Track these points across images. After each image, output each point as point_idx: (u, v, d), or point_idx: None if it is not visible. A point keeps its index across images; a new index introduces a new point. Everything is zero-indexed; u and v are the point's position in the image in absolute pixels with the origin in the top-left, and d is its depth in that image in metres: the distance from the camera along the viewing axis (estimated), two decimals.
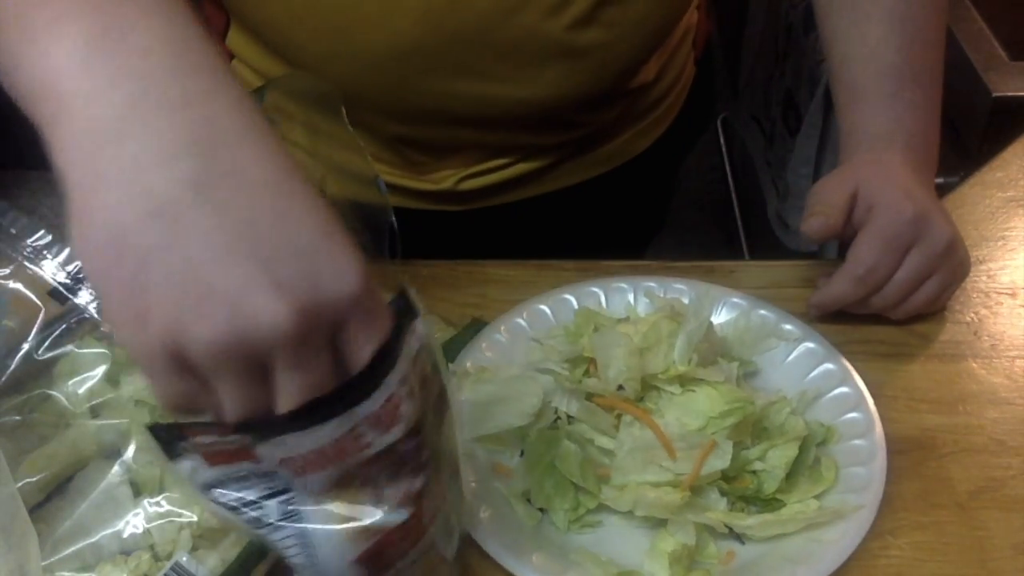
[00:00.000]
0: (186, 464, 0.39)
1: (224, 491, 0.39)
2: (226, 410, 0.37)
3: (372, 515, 0.40)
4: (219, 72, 0.37)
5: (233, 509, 0.40)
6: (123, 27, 0.36)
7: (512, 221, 0.88)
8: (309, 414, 0.37)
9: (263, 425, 0.37)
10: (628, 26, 0.74)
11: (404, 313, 0.40)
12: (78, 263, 0.57)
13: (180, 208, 0.34)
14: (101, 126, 0.35)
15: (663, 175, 1.00)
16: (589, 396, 0.61)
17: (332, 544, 0.40)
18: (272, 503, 0.40)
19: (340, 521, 0.40)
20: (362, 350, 0.38)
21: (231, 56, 0.82)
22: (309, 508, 0.40)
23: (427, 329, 0.41)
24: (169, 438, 0.38)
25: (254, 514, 0.40)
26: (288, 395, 0.37)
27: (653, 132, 0.89)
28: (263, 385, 0.37)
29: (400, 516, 0.41)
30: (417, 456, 0.41)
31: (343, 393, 0.37)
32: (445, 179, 0.83)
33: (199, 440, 0.38)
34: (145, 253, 0.34)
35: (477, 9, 0.68)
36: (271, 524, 0.40)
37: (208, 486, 0.39)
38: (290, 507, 0.40)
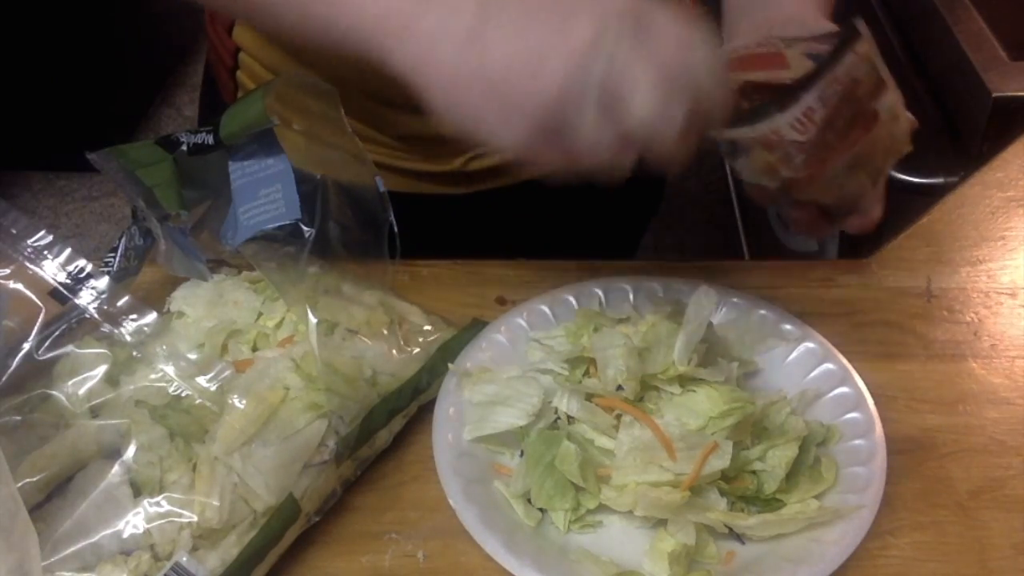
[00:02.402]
0: None
1: None
2: (590, 151, 0.47)
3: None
4: None
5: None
6: None
7: (516, 204, 0.89)
8: (753, 115, 0.53)
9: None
10: None
11: (847, 39, 0.53)
12: (78, 263, 0.57)
13: (477, 28, 0.47)
14: (406, 18, 0.48)
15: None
16: (589, 396, 0.61)
17: (752, 171, 0.57)
18: (724, 144, 0.56)
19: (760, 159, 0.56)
20: (663, 34, 0.47)
21: (238, 49, 0.82)
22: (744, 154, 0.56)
23: (868, 47, 0.54)
24: None
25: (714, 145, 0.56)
26: (632, 103, 0.46)
27: None
28: (614, 119, 0.46)
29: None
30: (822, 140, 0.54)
31: (770, 104, 0.53)
32: (454, 159, 0.84)
33: None
34: (477, 70, 0.46)
35: None
36: (722, 151, 0.57)
37: None
38: (733, 147, 0.56)
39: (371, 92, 0.77)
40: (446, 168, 0.84)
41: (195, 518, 0.52)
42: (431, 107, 0.49)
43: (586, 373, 0.64)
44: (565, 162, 0.49)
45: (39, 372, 0.56)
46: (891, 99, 0.56)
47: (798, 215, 0.62)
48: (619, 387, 0.61)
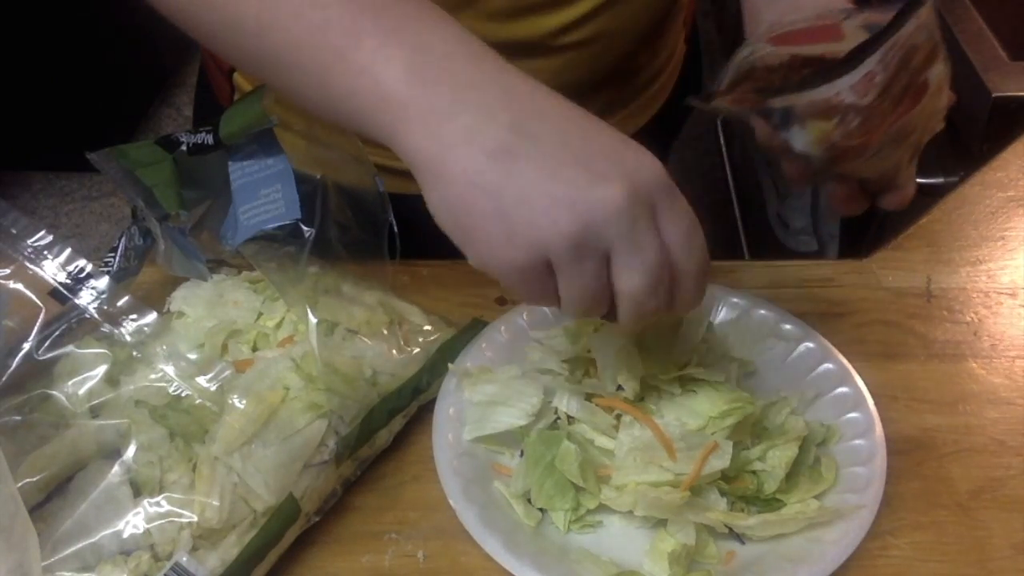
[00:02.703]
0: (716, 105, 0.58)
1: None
2: (573, 300, 0.48)
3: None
4: (496, 57, 0.49)
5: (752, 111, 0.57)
6: (426, 46, 0.48)
7: None
8: (815, 78, 0.54)
9: (775, 90, 0.56)
10: (626, 19, 0.74)
11: (912, 4, 0.54)
12: (78, 263, 0.57)
13: (510, 146, 0.46)
14: (436, 113, 0.47)
15: (656, 153, 1.01)
16: (589, 397, 0.61)
17: (805, 141, 0.57)
18: (777, 114, 0.56)
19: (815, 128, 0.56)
20: (673, 225, 0.47)
21: None
22: (797, 123, 0.56)
23: (929, 15, 0.55)
24: (708, 95, 0.58)
25: (765, 114, 0.57)
26: (629, 276, 0.47)
27: (648, 110, 0.89)
28: (604, 277, 0.47)
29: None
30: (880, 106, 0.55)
31: (839, 64, 0.53)
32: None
33: (728, 97, 0.57)
34: (497, 186, 0.45)
35: (489, 9, 0.68)
36: (774, 122, 0.57)
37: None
38: (786, 117, 0.56)
39: None
40: None
41: (195, 518, 0.52)
42: (429, 201, 0.48)
43: (586, 374, 0.64)
44: (541, 299, 0.49)
45: (39, 372, 0.56)
46: (941, 70, 0.56)
47: (838, 190, 0.62)
48: (619, 387, 0.61)
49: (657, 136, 0.92)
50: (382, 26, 0.48)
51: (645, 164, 0.47)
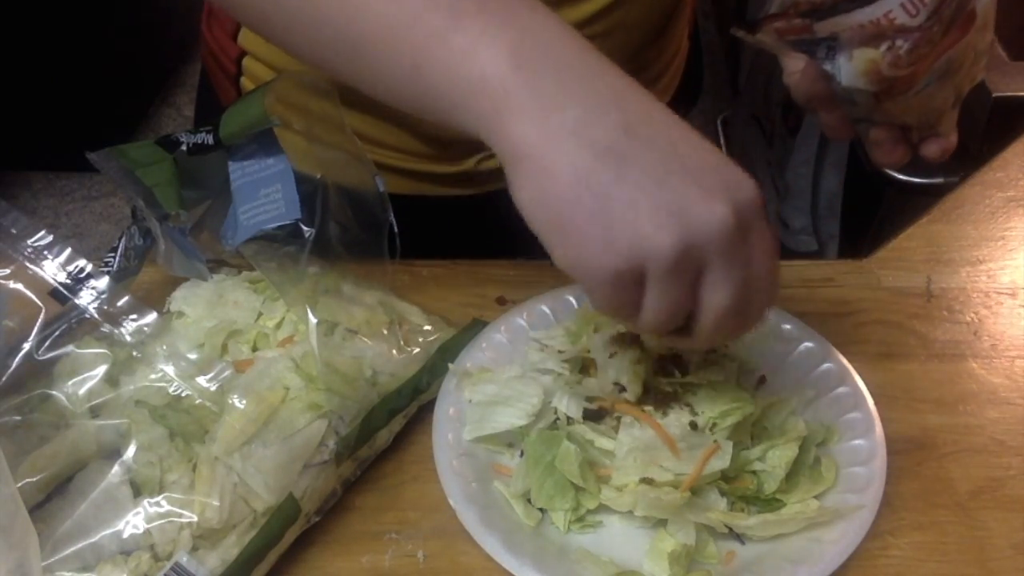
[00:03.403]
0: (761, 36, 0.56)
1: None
2: (655, 314, 0.46)
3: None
4: (596, 51, 0.47)
5: (796, 44, 0.56)
6: (530, 30, 0.46)
7: None
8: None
9: (823, 11, 0.52)
10: (637, 14, 0.74)
11: None
12: (78, 263, 0.57)
13: (621, 147, 0.44)
14: (544, 102, 0.44)
15: None
16: (591, 399, 0.61)
17: (851, 73, 0.55)
18: (822, 46, 0.55)
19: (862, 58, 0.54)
20: (763, 253, 0.47)
21: (242, 55, 0.81)
22: (844, 54, 0.55)
23: None
24: (752, 23, 0.55)
25: (809, 48, 0.56)
26: (719, 295, 0.46)
27: None
28: (690, 294, 0.46)
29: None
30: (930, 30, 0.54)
31: None
32: (467, 159, 0.83)
33: (774, 25, 0.54)
34: (605, 187, 0.43)
35: None
36: (819, 56, 0.55)
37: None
38: (832, 49, 0.55)
39: None
40: (458, 169, 0.84)
41: (195, 518, 0.52)
42: (521, 194, 0.46)
43: (584, 372, 0.64)
44: (622, 309, 0.47)
45: (39, 372, 0.56)
46: (988, 1, 0.55)
47: (879, 135, 0.61)
48: (622, 389, 0.61)
49: None
50: (484, 8, 0.46)
51: (746, 185, 0.46)
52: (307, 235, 0.61)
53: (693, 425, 0.59)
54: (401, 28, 0.47)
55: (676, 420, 0.60)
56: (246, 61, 0.81)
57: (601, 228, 0.44)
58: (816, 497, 0.59)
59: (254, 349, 0.62)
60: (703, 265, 0.45)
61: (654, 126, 0.45)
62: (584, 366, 0.65)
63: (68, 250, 0.58)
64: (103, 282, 0.58)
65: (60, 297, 0.57)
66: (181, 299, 0.64)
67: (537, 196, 0.45)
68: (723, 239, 0.44)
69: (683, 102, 0.95)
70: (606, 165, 0.43)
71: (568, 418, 0.61)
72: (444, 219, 0.85)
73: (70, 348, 0.57)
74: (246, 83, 0.82)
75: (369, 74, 0.50)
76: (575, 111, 0.44)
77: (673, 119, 0.47)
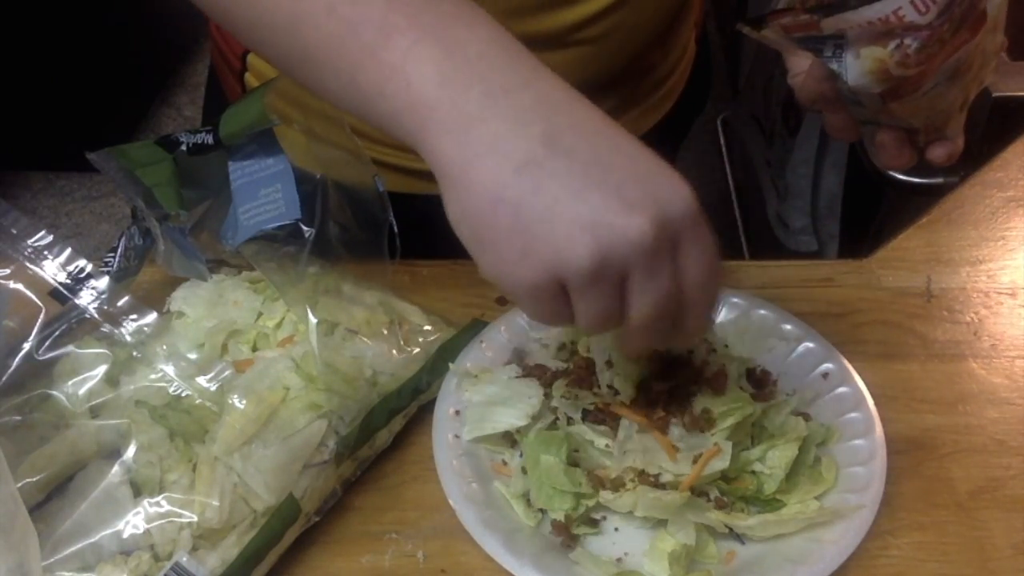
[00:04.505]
0: (767, 32, 0.55)
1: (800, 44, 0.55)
2: (587, 321, 0.46)
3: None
4: (531, 58, 0.47)
5: (802, 41, 0.55)
6: (460, 45, 0.46)
7: None
8: None
9: (831, 7, 0.51)
10: (640, 15, 0.74)
11: None
12: (78, 263, 0.57)
13: (539, 160, 0.44)
14: (465, 118, 0.45)
15: (665, 155, 1.01)
16: (591, 403, 0.61)
17: (858, 72, 0.54)
18: (829, 44, 0.54)
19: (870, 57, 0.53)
20: (695, 263, 0.46)
21: (246, 52, 0.81)
22: (851, 52, 0.53)
23: None
24: (758, 19, 0.54)
25: (816, 46, 0.54)
26: (641, 304, 0.46)
27: (658, 111, 0.89)
28: (618, 299, 0.46)
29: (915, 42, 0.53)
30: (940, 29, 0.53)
31: None
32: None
33: (780, 21, 0.53)
34: (519, 200, 0.44)
35: (506, 6, 0.68)
36: (825, 54, 0.54)
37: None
38: (839, 48, 0.54)
39: None
40: None
41: (195, 518, 0.52)
42: (448, 208, 0.47)
43: (571, 357, 0.64)
44: (551, 318, 0.47)
45: (39, 372, 0.56)
46: (998, 1, 0.54)
47: (885, 138, 0.60)
48: (615, 392, 0.61)
49: (666, 138, 0.92)
50: (415, 23, 0.46)
51: (677, 194, 0.45)
52: (307, 235, 0.61)
53: (692, 424, 0.59)
54: (336, 44, 0.48)
55: (675, 420, 0.60)
56: (250, 58, 0.81)
57: (519, 242, 0.44)
58: (816, 497, 0.59)
59: (254, 349, 0.62)
60: (625, 275, 0.45)
61: (580, 135, 0.45)
62: (584, 365, 0.65)
63: (68, 250, 0.58)
64: (103, 282, 0.58)
65: (60, 297, 0.57)
66: (181, 299, 0.64)
67: (459, 211, 0.46)
68: (642, 252, 0.44)
69: (689, 106, 0.95)
70: (523, 179, 0.44)
71: (568, 418, 0.61)
72: (445, 218, 0.85)
73: (70, 348, 0.57)
74: (250, 79, 0.82)
75: (317, 83, 0.51)
76: (496, 125, 0.44)
77: (605, 127, 0.46)
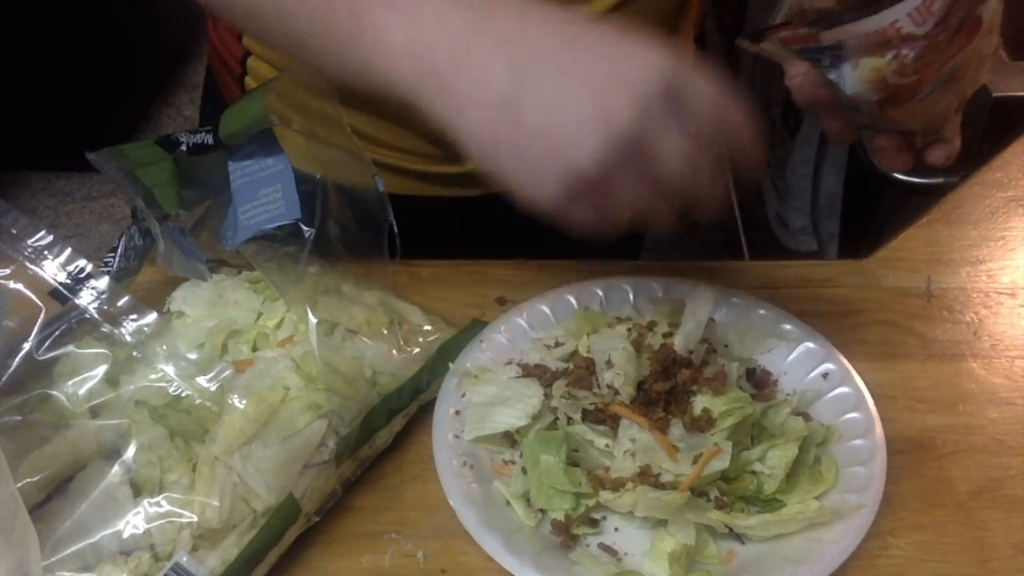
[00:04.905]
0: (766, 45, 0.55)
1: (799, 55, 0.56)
2: (625, 206, 0.49)
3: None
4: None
5: (800, 52, 0.55)
6: (417, 6, 0.49)
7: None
8: (872, 4, 0.51)
9: (830, 20, 0.52)
10: (640, 16, 0.74)
11: None
12: (78, 263, 0.57)
13: (509, 98, 0.47)
14: (437, 81, 0.49)
15: None
16: (591, 404, 0.61)
17: (856, 81, 0.55)
18: (827, 55, 0.54)
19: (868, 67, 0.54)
20: (696, 104, 0.48)
21: (246, 55, 0.80)
22: (849, 63, 0.54)
23: None
24: (757, 33, 0.54)
25: (814, 56, 0.55)
26: (670, 163, 0.48)
27: None
28: (644, 176, 0.48)
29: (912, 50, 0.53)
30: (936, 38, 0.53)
31: None
32: (468, 160, 0.83)
33: (779, 35, 0.53)
34: (510, 138, 0.48)
35: None
36: (824, 64, 0.55)
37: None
38: (836, 58, 0.54)
39: None
40: (459, 169, 0.84)
41: (195, 518, 0.52)
42: (468, 155, 0.50)
43: (573, 359, 0.64)
44: (599, 219, 0.50)
45: (39, 372, 0.56)
46: (995, 7, 0.56)
47: (883, 142, 0.62)
48: (615, 392, 0.61)
49: None
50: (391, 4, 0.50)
51: (650, 65, 0.47)
52: (307, 235, 0.61)
53: (692, 424, 0.59)
54: (316, 30, 0.52)
55: (675, 420, 0.60)
56: (250, 61, 0.81)
57: (526, 171, 0.49)
58: (816, 497, 0.59)
59: (254, 349, 0.62)
60: (635, 153, 0.47)
61: (541, 52, 0.48)
62: (584, 365, 0.65)
63: (68, 250, 0.58)
64: (103, 282, 0.58)
65: (60, 297, 0.57)
66: (181, 299, 0.64)
67: (476, 159, 0.50)
68: (637, 129, 0.47)
69: None
70: (504, 117, 0.48)
71: (568, 418, 0.61)
72: (445, 219, 0.85)
73: (70, 348, 0.57)
74: (250, 83, 0.81)
75: (318, 67, 0.56)
76: (462, 79, 0.49)
77: (563, 29, 0.49)
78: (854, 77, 0.54)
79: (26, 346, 0.55)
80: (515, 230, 0.89)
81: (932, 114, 0.59)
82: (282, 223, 0.61)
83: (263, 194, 0.62)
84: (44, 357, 0.56)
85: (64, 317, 0.57)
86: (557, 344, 0.68)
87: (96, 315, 0.57)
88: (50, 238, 0.57)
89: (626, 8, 0.72)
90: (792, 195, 1.51)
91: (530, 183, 0.49)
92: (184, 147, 0.61)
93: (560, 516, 0.58)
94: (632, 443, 0.59)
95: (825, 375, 0.66)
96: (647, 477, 0.58)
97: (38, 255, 0.57)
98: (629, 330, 0.66)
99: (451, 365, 0.66)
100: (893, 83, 0.54)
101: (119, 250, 0.62)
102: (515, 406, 0.61)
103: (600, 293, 0.72)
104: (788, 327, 0.69)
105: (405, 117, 0.79)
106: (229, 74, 0.83)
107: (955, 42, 0.54)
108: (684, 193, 0.50)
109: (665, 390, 0.61)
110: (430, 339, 0.67)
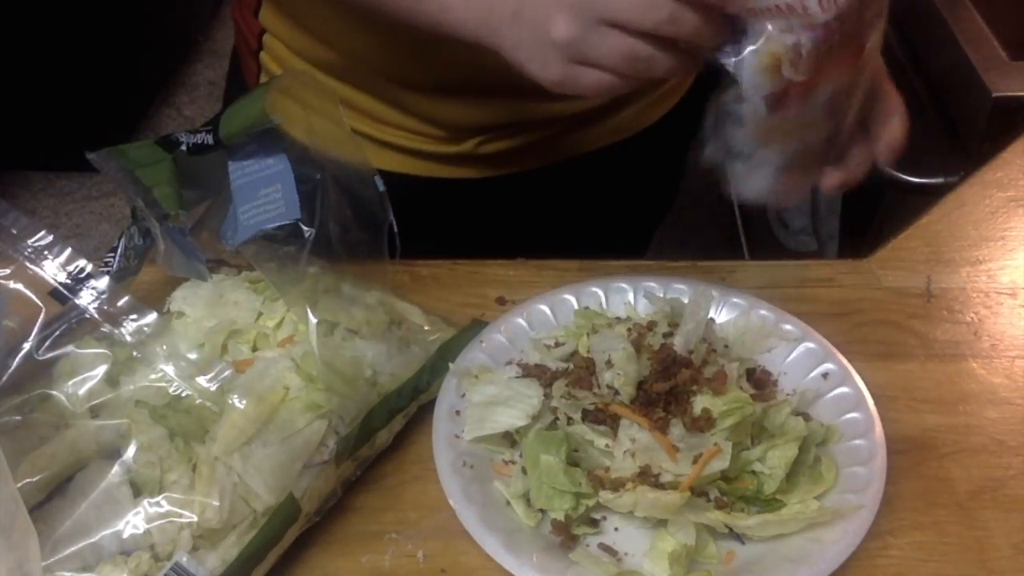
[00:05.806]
0: None
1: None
2: (619, 61, 0.55)
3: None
4: None
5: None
6: None
7: (528, 194, 0.90)
8: None
9: None
10: None
11: None
12: (78, 263, 0.57)
13: (517, 7, 0.57)
14: (488, 30, 0.60)
15: (674, 148, 1.02)
16: (591, 404, 0.61)
17: (753, 70, 0.56)
18: (730, 42, 0.55)
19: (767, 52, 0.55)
20: None
21: (263, 31, 0.85)
22: (752, 45, 0.55)
23: None
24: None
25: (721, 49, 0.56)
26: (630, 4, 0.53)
27: (666, 103, 0.90)
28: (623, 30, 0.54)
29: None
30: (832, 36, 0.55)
31: None
32: (467, 141, 0.85)
33: None
34: (512, 14, 0.58)
35: None
36: (725, 51, 0.56)
37: None
38: (739, 44, 0.55)
39: (392, 74, 0.80)
40: (458, 149, 0.85)
41: (195, 518, 0.52)
42: (506, 58, 0.60)
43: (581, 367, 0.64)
44: (603, 79, 0.56)
45: (39, 372, 0.56)
46: (877, 40, 0.59)
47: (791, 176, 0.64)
48: (615, 392, 0.61)
49: (674, 132, 0.93)
50: None
51: None
52: (307, 235, 0.61)
53: (692, 424, 0.59)
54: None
55: (675, 420, 0.60)
56: (266, 38, 0.85)
57: (527, 54, 0.58)
58: (816, 497, 0.59)
59: (254, 349, 0.62)
60: (602, 10, 0.53)
61: None
62: (584, 365, 0.65)
63: (68, 250, 0.58)
64: (103, 282, 0.58)
65: (60, 297, 0.57)
66: (181, 299, 0.64)
67: (513, 62, 0.59)
68: None
69: (697, 101, 0.95)
70: (512, 24, 0.58)
71: (568, 418, 0.61)
72: (446, 202, 0.87)
73: (70, 348, 0.57)
74: (265, 59, 0.86)
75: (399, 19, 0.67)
76: (492, 15, 0.59)
77: None
78: (753, 64, 0.56)
79: (26, 346, 0.55)
80: (521, 220, 0.89)
81: (805, 142, 0.61)
82: (282, 223, 0.61)
83: (263, 194, 0.62)
84: (44, 357, 0.56)
85: (64, 317, 0.57)
86: (557, 344, 0.68)
87: (96, 315, 0.57)
88: (50, 238, 0.57)
89: None
90: None
91: (533, 62, 0.57)
92: (184, 147, 0.61)
93: (560, 516, 0.58)
94: (632, 443, 0.59)
95: (825, 375, 0.66)
96: (647, 477, 0.58)
97: (38, 255, 0.57)
98: (629, 330, 0.66)
99: (451, 365, 0.66)
100: (786, 76, 0.56)
101: (119, 250, 0.62)
102: (515, 406, 0.61)
103: (600, 293, 0.72)
104: (788, 327, 0.69)
105: (406, 100, 0.82)
106: (247, 49, 0.88)
107: (841, 56, 0.56)
108: (664, 31, 0.54)
109: (665, 390, 0.61)
110: (430, 339, 0.67)
